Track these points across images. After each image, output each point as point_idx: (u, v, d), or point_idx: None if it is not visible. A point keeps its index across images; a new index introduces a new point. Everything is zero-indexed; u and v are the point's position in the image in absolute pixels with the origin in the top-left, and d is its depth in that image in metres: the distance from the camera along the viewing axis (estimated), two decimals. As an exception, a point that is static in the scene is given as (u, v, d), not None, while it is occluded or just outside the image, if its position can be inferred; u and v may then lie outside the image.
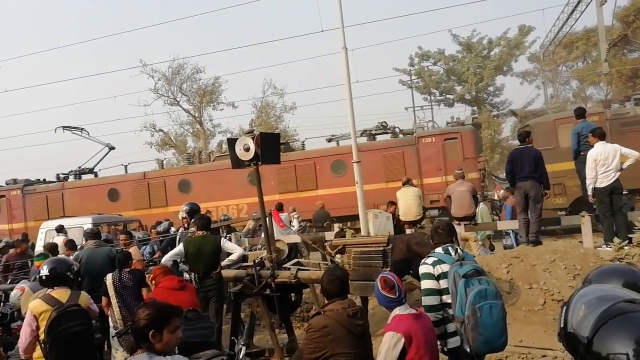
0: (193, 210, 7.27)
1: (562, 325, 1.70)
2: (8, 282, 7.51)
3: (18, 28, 63.54)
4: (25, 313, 4.74)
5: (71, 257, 6.19)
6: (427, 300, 3.53)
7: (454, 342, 3.48)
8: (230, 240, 7.55)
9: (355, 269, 5.37)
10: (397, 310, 3.08)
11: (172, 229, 10.14)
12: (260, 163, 5.63)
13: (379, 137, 16.03)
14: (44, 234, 10.80)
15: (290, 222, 11.46)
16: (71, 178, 19.13)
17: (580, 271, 5.75)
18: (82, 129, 19.41)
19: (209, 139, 30.84)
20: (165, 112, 32.50)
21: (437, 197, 13.50)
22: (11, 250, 9.34)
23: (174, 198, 16.36)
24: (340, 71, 12.73)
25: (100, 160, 18.96)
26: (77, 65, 54.77)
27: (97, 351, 4.27)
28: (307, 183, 15.26)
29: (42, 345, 3.94)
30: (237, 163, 5.74)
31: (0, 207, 18.64)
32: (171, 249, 7.34)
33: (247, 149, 5.54)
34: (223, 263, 5.90)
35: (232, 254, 5.95)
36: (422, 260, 3.69)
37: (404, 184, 9.10)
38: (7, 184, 19.09)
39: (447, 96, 32.68)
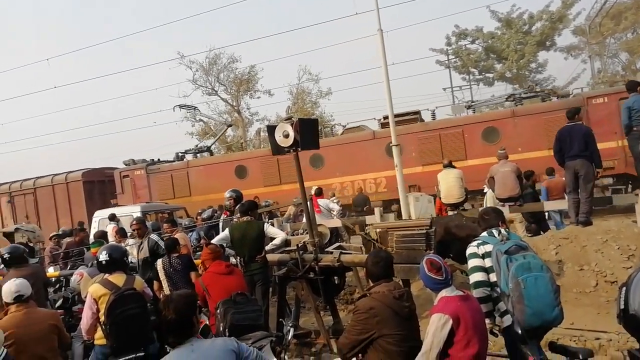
0: (238, 197, 7.45)
1: (622, 307, 1.65)
2: (68, 269, 7.96)
3: (63, 25, 65.99)
4: (84, 297, 5.02)
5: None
6: (474, 277, 3.56)
7: (507, 320, 3.46)
8: (272, 225, 7.67)
9: (398, 252, 5.37)
10: (444, 292, 3.07)
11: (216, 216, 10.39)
12: (299, 149, 5.69)
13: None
14: (97, 222, 11.32)
15: (330, 208, 11.45)
16: (188, 157, 19.03)
17: (635, 252, 5.53)
18: (195, 107, 20.14)
19: (247, 127, 31.26)
20: (204, 102, 33.09)
21: (613, 164, 12.14)
22: (68, 239, 9.90)
23: (305, 174, 15.52)
24: (376, 54, 12.56)
25: (218, 138, 18.78)
26: (120, 60, 56.49)
27: (153, 332, 4.47)
28: (454, 153, 13.90)
29: (103, 326, 4.17)
30: (277, 149, 5.82)
31: (124, 187, 18.42)
32: (215, 235, 7.58)
33: (287, 136, 5.60)
34: (267, 248, 6.03)
35: (275, 238, 6.06)
36: (469, 245, 3.69)
37: (444, 166, 8.93)
38: (126, 165, 19.10)
39: (487, 75, 31.71)
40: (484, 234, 3.70)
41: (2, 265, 5.84)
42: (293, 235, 8.82)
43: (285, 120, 5.69)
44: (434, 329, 2.91)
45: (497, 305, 3.50)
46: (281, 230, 7.51)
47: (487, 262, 3.51)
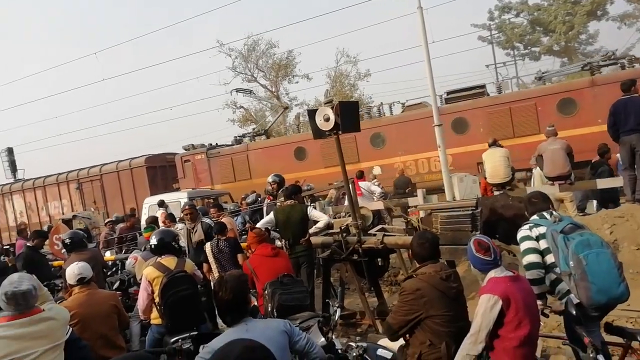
0: (281, 182, 7.59)
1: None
2: (122, 253, 8.38)
3: (111, 20, 68.15)
4: (139, 279, 5.27)
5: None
6: (528, 259, 3.46)
7: (564, 302, 3.37)
8: (315, 209, 7.75)
9: (442, 233, 5.32)
10: (493, 273, 3.01)
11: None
12: (340, 132, 5.69)
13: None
14: (147, 209, 11.79)
15: (371, 191, 11.42)
16: (246, 140, 18.86)
17: (697, 230, 5.22)
18: (250, 90, 20.82)
19: (286, 113, 31.42)
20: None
21: None
22: (121, 224, 10.39)
23: (366, 153, 15.10)
24: (415, 33, 12.21)
25: (275, 121, 18.28)
26: (163, 51, 57.98)
27: (205, 312, 4.64)
28: (526, 127, 13.09)
29: (158, 307, 4.37)
30: (318, 133, 5.84)
31: (185, 171, 18.51)
32: (260, 219, 7.74)
33: (327, 119, 5.61)
34: (310, 231, 6.10)
35: (318, 221, 6.12)
36: (519, 228, 3.63)
37: (490, 145, 8.68)
38: (185, 150, 19.27)
39: (532, 49, 30.40)
40: (535, 216, 3.60)
41: (64, 250, 6.21)
42: (335, 218, 8.87)
43: (326, 103, 5.69)
44: (483, 309, 2.87)
45: (558, 287, 3.40)
46: (323, 213, 7.57)
47: (542, 244, 3.42)
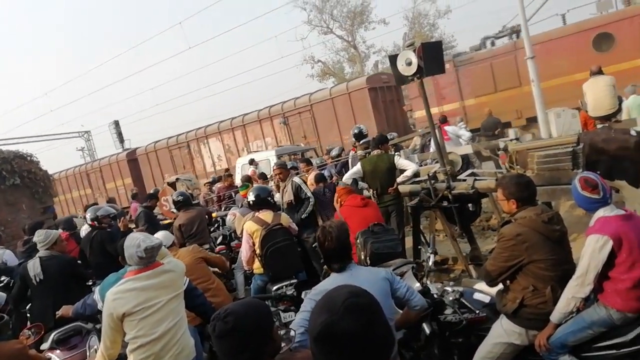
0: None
1: None
2: (222, 210, 9.01)
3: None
4: (240, 234, 5.64)
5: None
6: None
7: None
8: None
9: (539, 174, 5.05)
10: (602, 212, 2.80)
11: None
12: (424, 76, 5.51)
13: None
14: (240, 168, 12.43)
15: (459, 135, 11.00)
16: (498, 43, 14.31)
17: None
18: None
19: (365, 62, 30.78)
20: (320, 42, 33.23)
21: None
22: (219, 184, 11.12)
23: None
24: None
25: (539, 9, 13.50)
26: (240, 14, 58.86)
27: (300, 260, 4.91)
28: None
29: (259, 257, 4.70)
30: (401, 79, 5.70)
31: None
32: (346, 172, 7.83)
33: (410, 63, 5.43)
34: (398, 180, 6.07)
35: (406, 170, 6.07)
36: None
37: (593, 74, 7.84)
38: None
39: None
40: None
41: (173, 209, 6.81)
42: (421, 166, 8.71)
43: (408, 47, 5.48)
44: (591, 250, 2.71)
45: None
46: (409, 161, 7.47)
47: None
